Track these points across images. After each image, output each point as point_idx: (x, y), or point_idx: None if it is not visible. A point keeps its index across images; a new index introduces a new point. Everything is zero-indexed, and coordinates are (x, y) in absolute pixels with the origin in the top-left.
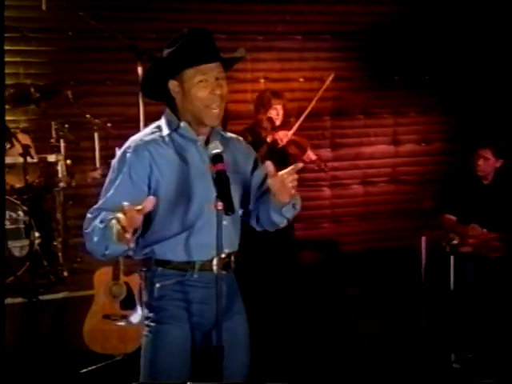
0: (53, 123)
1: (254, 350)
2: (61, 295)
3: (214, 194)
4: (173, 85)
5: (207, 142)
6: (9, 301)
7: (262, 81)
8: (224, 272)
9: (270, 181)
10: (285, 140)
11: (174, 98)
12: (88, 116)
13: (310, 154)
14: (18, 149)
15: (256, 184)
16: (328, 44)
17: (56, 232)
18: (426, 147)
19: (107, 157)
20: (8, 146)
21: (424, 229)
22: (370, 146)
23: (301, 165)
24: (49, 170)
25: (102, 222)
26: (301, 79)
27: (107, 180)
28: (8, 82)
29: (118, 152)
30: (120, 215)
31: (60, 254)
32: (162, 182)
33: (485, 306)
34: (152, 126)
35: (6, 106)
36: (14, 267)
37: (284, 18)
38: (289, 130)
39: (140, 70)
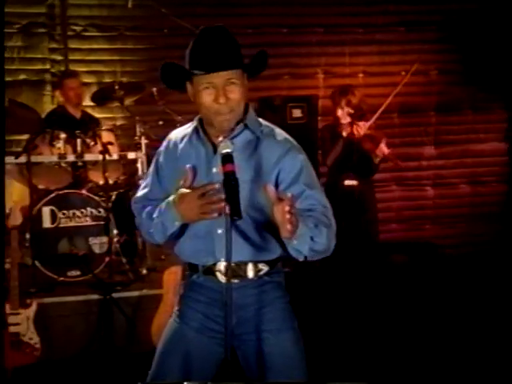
0: (137, 120)
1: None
2: (136, 293)
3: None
4: (188, 87)
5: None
6: (85, 297)
7: (361, 75)
8: (235, 280)
9: (274, 208)
10: (362, 131)
11: None
12: (171, 113)
13: (383, 148)
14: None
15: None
16: (433, 35)
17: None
18: None
19: None
20: (92, 143)
21: None
22: (480, 143)
23: (289, 195)
24: (131, 167)
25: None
26: (403, 73)
27: None
28: (106, 79)
29: None
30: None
31: (142, 252)
32: (167, 182)
33: None
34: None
35: (91, 104)
36: (93, 264)
37: (386, 8)
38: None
39: None
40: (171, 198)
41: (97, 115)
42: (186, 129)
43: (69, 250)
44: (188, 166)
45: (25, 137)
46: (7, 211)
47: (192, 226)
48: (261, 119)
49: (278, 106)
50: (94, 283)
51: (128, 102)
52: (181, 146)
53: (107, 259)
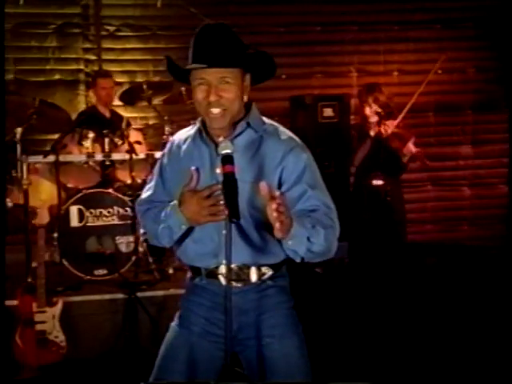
0: (165, 120)
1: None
2: (162, 292)
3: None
4: (190, 82)
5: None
6: (110, 296)
7: (396, 73)
8: (238, 284)
9: (267, 207)
10: (389, 130)
11: None
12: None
13: (411, 147)
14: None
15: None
16: (470, 32)
17: None
18: None
19: None
20: (120, 142)
21: None
22: None
23: (277, 193)
24: None
25: (161, 216)
26: (439, 71)
27: None
28: (139, 79)
29: None
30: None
31: (169, 251)
32: (171, 184)
33: None
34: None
35: (119, 103)
36: (120, 263)
37: (422, 5)
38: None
39: None
40: (176, 201)
41: (129, 115)
42: (189, 130)
43: (96, 248)
44: (192, 168)
45: (57, 136)
46: (38, 210)
47: (195, 229)
48: (265, 118)
49: (309, 104)
50: (120, 282)
51: (156, 101)
52: (184, 147)
53: (134, 258)
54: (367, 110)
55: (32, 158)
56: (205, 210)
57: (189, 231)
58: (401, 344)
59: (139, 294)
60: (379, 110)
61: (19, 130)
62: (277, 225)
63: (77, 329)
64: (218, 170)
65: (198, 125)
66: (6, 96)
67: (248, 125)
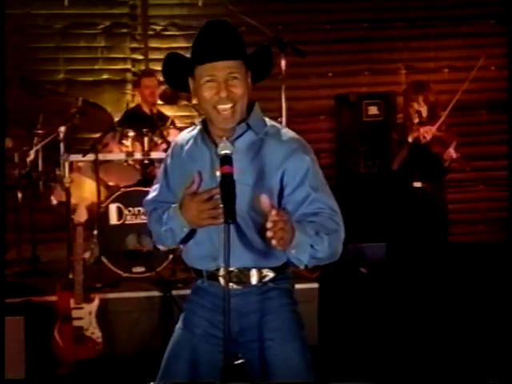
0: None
1: None
2: None
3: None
4: (190, 83)
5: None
6: (147, 294)
7: (446, 70)
8: (238, 286)
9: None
10: (428, 137)
11: None
12: None
13: (451, 152)
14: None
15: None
16: None
17: None
18: None
19: None
20: (159, 141)
21: None
22: None
23: (274, 212)
24: None
25: (163, 217)
26: (492, 67)
27: None
28: None
29: None
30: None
31: None
32: (175, 185)
33: None
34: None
35: (160, 102)
36: (157, 260)
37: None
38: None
39: (283, 63)
40: (177, 203)
41: (174, 114)
42: (191, 131)
43: (134, 246)
44: (196, 172)
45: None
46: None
47: (197, 231)
48: (267, 118)
49: (354, 102)
50: (157, 280)
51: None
52: (186, 148)
53: (171, 256)
54: (413, 110)
55: (73, 157)
56: (204, 213)
57: (193, 233)
58: (439, 344)
59: (175, 293)
60: (425, 111)
61: (62, 128)
62: (273, 241)
63: (113, 326)
64: (218, 173)
65: (199, 126)
66: (50, 96)
67: (248, 126)
